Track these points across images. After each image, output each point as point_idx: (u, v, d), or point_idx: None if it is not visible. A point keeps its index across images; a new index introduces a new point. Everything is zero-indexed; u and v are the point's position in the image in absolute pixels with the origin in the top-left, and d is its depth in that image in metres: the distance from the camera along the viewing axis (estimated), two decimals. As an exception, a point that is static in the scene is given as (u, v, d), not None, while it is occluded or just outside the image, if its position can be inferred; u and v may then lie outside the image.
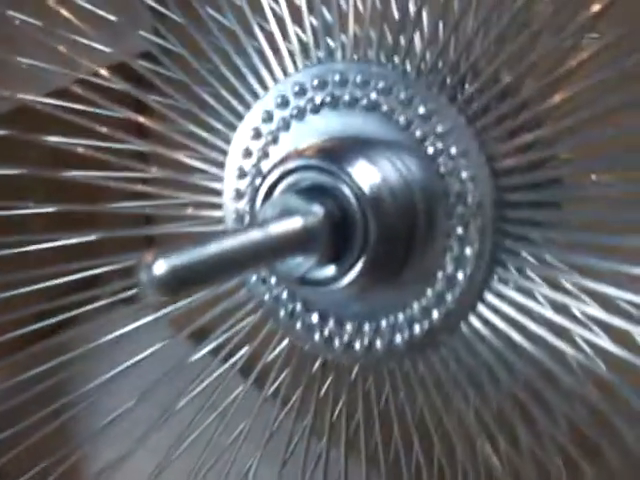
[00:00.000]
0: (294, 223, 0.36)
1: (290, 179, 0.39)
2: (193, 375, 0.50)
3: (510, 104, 0.38)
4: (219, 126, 0.46)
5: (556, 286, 0.39)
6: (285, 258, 0.37)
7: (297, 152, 0.40)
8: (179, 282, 0.30)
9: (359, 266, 0.38)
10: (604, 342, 0.38)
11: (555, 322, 0.38)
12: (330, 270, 0.38)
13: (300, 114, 0.42)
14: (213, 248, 0.32)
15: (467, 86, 0.39)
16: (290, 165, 0.39)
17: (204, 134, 0.46)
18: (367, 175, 0.38)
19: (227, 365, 0.50)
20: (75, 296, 0.51)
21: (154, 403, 0.50)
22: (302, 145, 0.42)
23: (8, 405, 0.51)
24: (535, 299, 0.39)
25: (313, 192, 0.38)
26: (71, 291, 0.51)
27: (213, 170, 0.47)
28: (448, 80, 0.39)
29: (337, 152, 0.39)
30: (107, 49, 0.49)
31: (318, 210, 0.37)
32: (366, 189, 0.38)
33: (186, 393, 0.50)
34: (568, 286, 0.39)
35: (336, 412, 0.47)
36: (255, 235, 0.34)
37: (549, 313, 0.38)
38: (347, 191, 0.38)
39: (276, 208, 0.37)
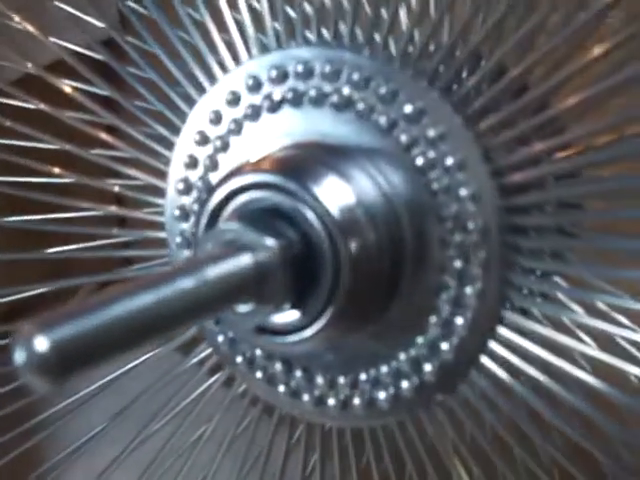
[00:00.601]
0: (239, 263, 0.27)
1: (240, 200, 0.30)
2: (176, 389, 0.43)
3: (520, 102, 0.29)
4: (159, 127, 0.37)
5: (577, 332, 0.31)
6: (229, 308, 0.28)
7: (250, 165, 0.32)
8: (70, 363, 0.22)
9: (328, 312, 0.29)
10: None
11: (576, 377, 0.30)
12: (293, 315, 0.30)
13: (254, 114, 0.33)
14: (121, 308, 0.23)
15: (465, 78, 0.30)
16: (240, 182, 0.30)
17: (141, 137, 0.38)
18: (337, 195, 0.29)
19: (209, 382, 0.42)
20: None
21: (134, 418, 0.43)
22: (257, 154, 0.33)
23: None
24: (552, 349, 0.30)
25: (268, 218, 0.29)
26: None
27: (153, 181, 0.38)
28: (441, 70, 0.30)
29: (299, 165, 0.30)
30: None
31: (271, 244, 0.28)
32: (336, 213, 0.29)
33: (166, 411, 0.42)
34: (595, 331, 0.30)
35: (310, 465, 0.39)
36: (185, 284, 0.25)
37: (568, 366, 0.30)
38: (311, 216, 0.29)
39: (218, 242, 0.29)
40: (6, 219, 0.45)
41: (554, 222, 0.30)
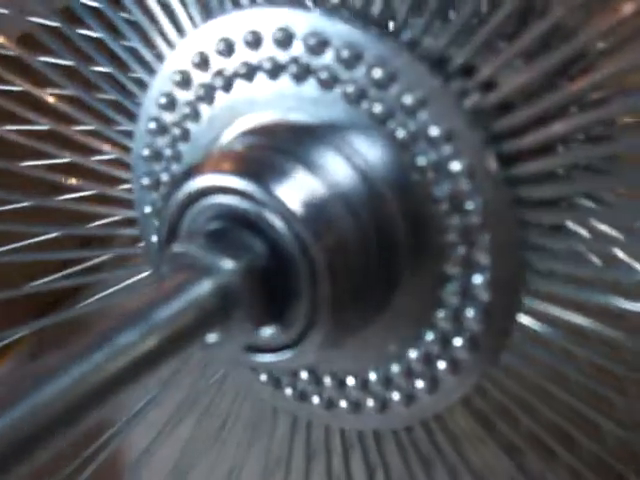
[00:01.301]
0: (198, 292, 0.23)
1: (200, 206, 0.26)
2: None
3: (517, 45, 0.23)
4: (116, 116, 0.33)
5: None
6: (195, 345, 0.24)
7: (208, 164, 0.27)
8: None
9: (315, 325, 0.25)
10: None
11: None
12: (276, 332, 0.26)
13: (208, 95, 0.29)
14: (52, 388, 0.20)
15: (437, 29, 0.24)
16: (195, 186, 0.26)
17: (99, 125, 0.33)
18: (306, 191, 0.25)
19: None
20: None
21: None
22: (220, 140, 0.28)
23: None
24: (574, 337, 0.26)
25: (230, 229, 0.25)
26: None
27: (122, 175, 0.34)
28: (409, 22, 0.24)
29: (260, 161, 0.26)
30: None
31: (231, 265, 0.24)
32: (304, 214, 0.24)
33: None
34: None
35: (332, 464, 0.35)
36: (129, 338, 0.22)
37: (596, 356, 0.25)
38: (277, 222, 0.25)
39: (174, 267, 0.25)
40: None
41: (572, 191, 0.25)
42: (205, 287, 0.24)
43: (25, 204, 0.37)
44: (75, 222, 0.37)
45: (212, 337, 0.25)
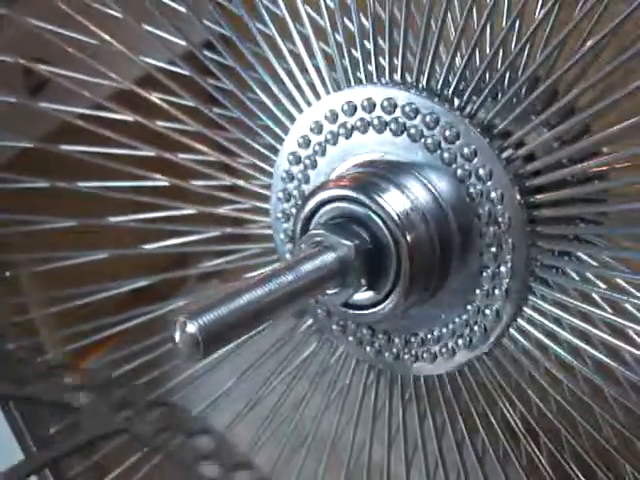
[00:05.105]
0: (326, 260, 0.38)
1: (325, 209, 0.40)
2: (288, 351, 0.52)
3: (533, 124, 0.38)
4: (262, 150, 0.48)
5: (591, 299, 0.39)
6: (321, 293, 0.38)
7: (332, 182, 0.41)
8: (212, 340, 0.33)
9: (396, 290, 0.39)
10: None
11: (590, 334, 0.39)
12: (369, 294, 0.40)
13: (333, 139, 0.43)
14: (244, 300, 0.34)
15: (489, 107, 0.39)
16: (324, 195, 0.40)
17: (251, 158, 0.48)
18: (396, 203, 0.39)
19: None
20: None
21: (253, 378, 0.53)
22: (338, 170, 0.43)
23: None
24: (571, 313, 0.39)
25: (346, 223, 0.39)
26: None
27: (261, 191, 0.48)
28: (470, 103, 0.39)
29: (368, 181, 0.40)
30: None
31: (348, 244, 0.38)
32: (395, 217, 0.39)
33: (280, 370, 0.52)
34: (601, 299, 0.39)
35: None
36: (285, 279, 0.36)
37: (585, 326, 0.39)
38: (377, 220, 0.39)
39: (309, 244, 0.39)
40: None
41: (569, 213, 0.39)
42: (330, 257, 0.38)
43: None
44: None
45: (331, 290, 0.39)
